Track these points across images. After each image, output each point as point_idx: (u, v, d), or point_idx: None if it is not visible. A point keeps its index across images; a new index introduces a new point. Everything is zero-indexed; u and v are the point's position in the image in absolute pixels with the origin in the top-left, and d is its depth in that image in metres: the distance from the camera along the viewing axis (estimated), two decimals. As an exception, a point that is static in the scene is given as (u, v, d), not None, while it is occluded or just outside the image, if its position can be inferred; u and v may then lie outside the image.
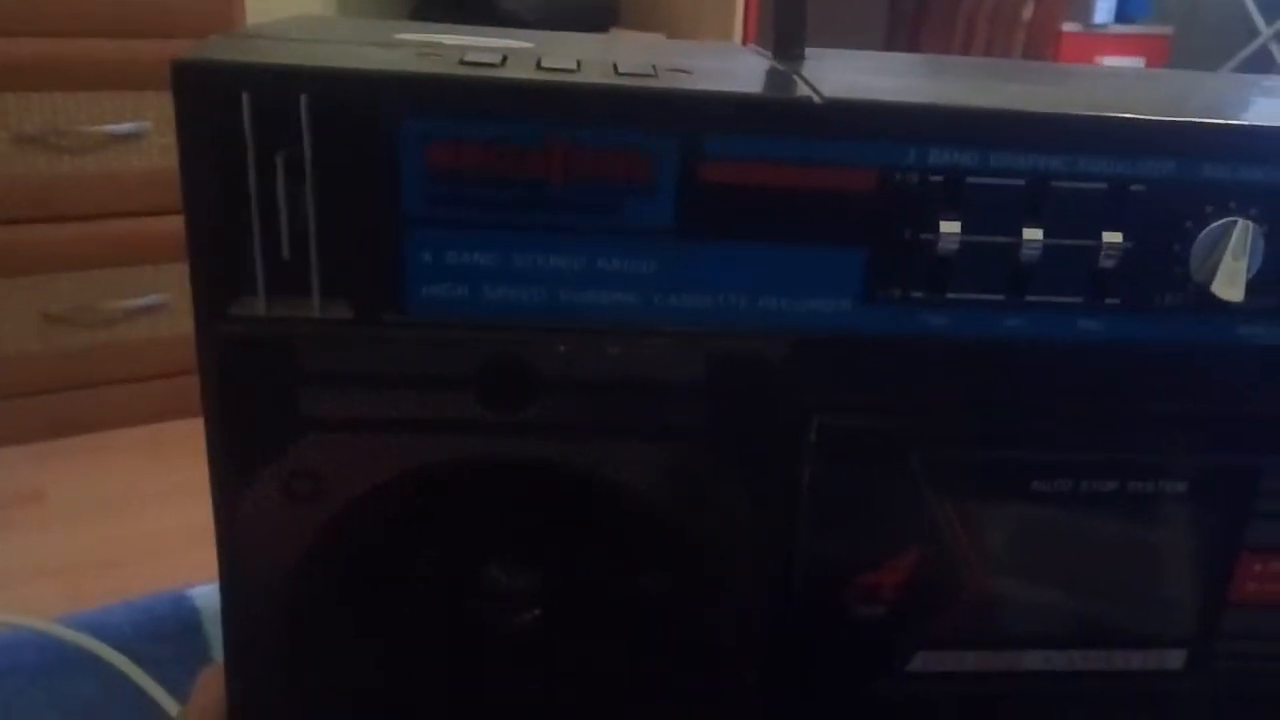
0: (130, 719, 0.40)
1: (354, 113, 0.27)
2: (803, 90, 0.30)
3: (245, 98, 0.26)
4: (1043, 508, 0.34)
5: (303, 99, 0.26)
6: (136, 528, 1.36)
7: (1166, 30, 3.12)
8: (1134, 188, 0.31)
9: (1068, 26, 2.90)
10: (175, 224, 1.36)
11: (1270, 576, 0.36)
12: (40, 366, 1.52)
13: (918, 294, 0.31)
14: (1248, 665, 0.37)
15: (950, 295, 0.31)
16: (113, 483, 1.48)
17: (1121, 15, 3.08)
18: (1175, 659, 0.37)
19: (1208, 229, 0.31)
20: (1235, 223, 0.31)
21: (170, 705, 0.39)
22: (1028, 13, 2.42)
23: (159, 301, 1.58)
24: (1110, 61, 3.01)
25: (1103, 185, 0.30)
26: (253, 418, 0.30)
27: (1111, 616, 0.36)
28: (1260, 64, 2.97)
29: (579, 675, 0.34)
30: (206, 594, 0.46)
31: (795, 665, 0.35)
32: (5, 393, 1.51)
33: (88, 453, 1.54)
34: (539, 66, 0.29)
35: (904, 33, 2.49)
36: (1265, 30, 2.91)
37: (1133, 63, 3.05)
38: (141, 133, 1.51)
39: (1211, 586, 0.36)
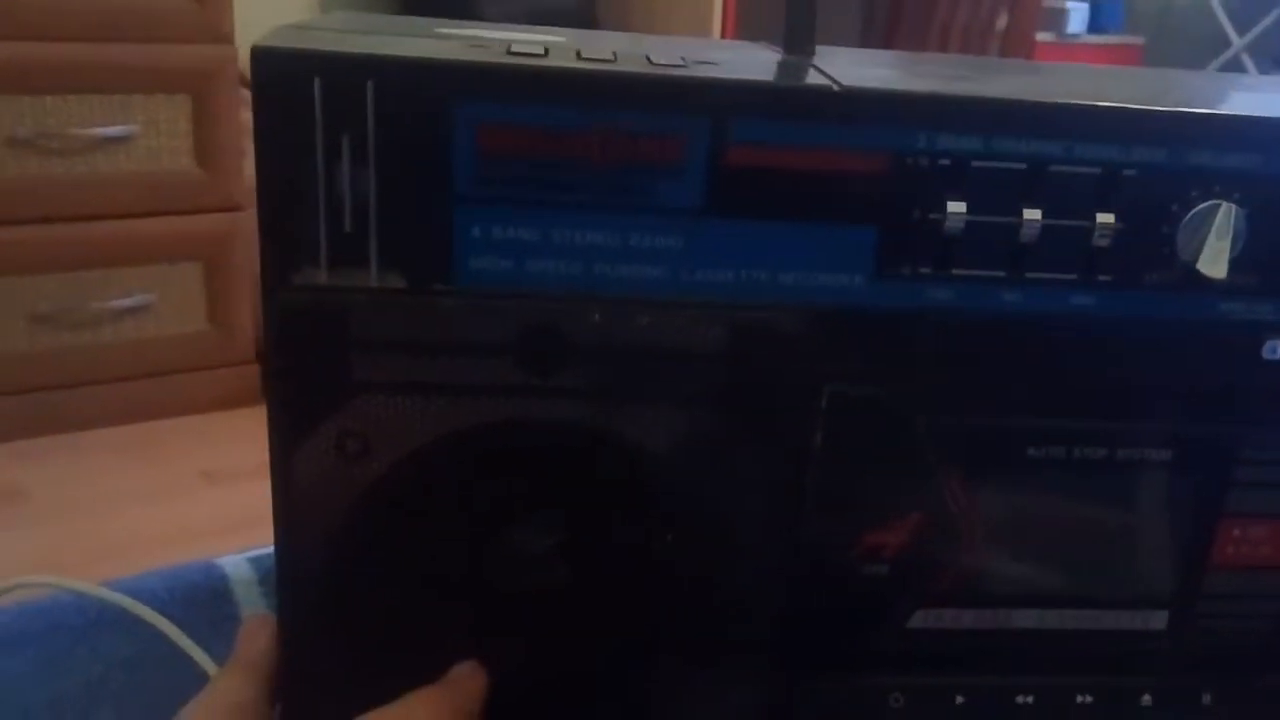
0: (166, 675, 0.42)
1: (413, 98, 0.29)
2: (820, 80, 0.32)
3: (317, 83, 0.28)
4: (1036, 474, 0.36)
5: (369, 84, 0.29)
6: (120, 526, 1.37)
7: (1138, 40, 3.18)
8: (1126, 172, 0.33)
9: (1041, 36, 2.94)
10: (162, 226, 1.38)
11: (1248, 541, 0.38)
12: (27, 366, 1.53)
13: (925, 270, 0.33)
14: (1227, 626, 0.40)
15: (955, 272, 0.33)
16: (97, 481, 1.48)
17: (1094, 25, 3.13)
18: (1158, 619, 0.39)
19: (1194, 211, 0.33)
20: (1219, 205, 0.33)
21: (205, 661, 0.41)
22: (1002, 23, 2.46)
23: (145, 302, 1.58)
24: (1083, 73, 3.06)
25: (1097, 170, 0.33)
26: (310, 379, 0.32)
27: (1099, 578, 0.38)
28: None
29: (601, 630, 0.36)
30: (235, 563, 0.48)
31: (803, 620, 0.37)
32: (-9, 391, 1.51)
33: (72, 451, 1.55)
34: (579, 56, 0.31)
35: (878, 42, 2.52)
36: (1237, 41, 2.96)
37: (1106, 73, 3.10)
38: (130, 136, 1.52)
39: (1193, 550, 0.38)
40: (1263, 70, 2.98)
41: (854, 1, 2.75)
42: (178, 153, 1.56)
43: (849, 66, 0.36)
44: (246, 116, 1.50)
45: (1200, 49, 3.04)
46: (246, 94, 1.47)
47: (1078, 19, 3.08)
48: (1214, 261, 0.33)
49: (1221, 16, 2.97)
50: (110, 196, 1.52)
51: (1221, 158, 0.33)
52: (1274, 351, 0.35)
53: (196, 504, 1.45)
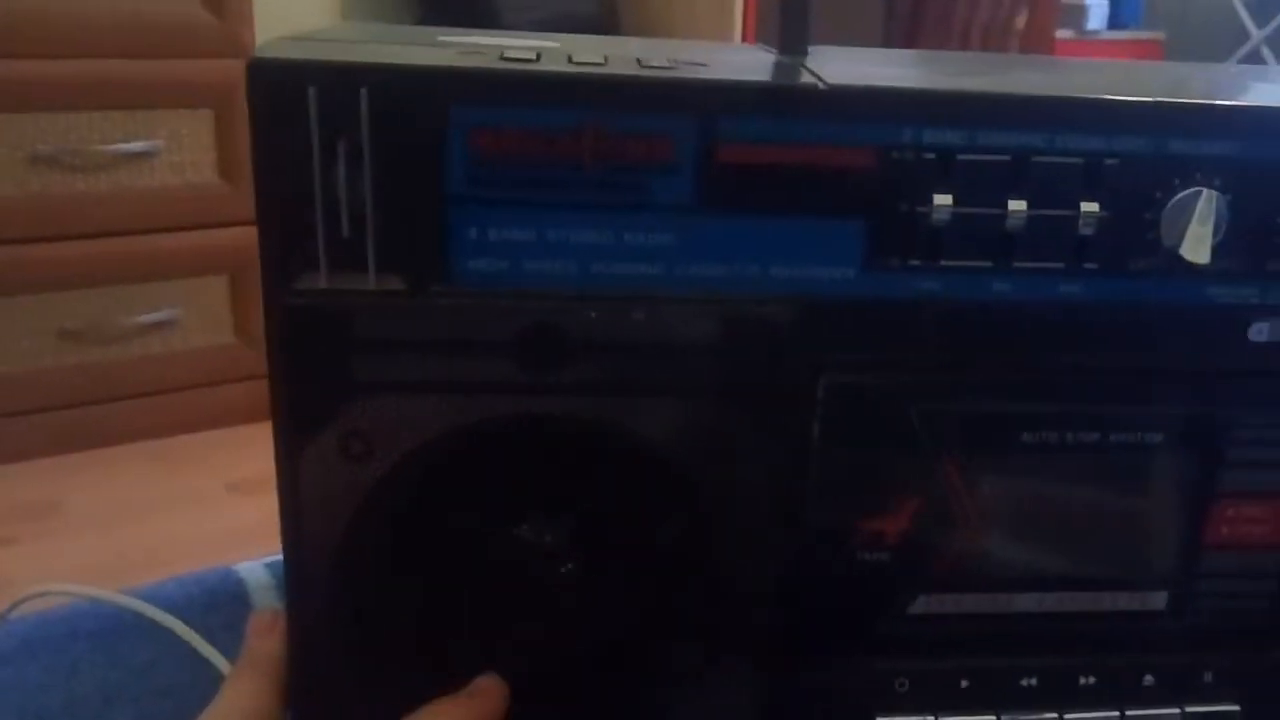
0: (185, 678, 0.43)
1: (407, 103, 0.30)
2: (808, 78, 0.33)
3: (311, 91, 0.30)
4: (1032, 458, 0.37)
5: (363, 92, 0.30)
6: (150, 538, 1.39)
7: (1158, 35, 3.16)
8: (1108, 162, 0.34)
9: (1061, 33, 2.93)
10: (186, 240, 1.39)
11: (1242, 520, 0.39)
12: (55, 382, 1.55)
13: (914, 261, 0.34)
14: (1225, 604, 0.40)
15: (944, 262, 0.34)
16: (127, 494, 1.50)
17: (1114, 22, 3.12)
18: (1158, 600, 0.40)
19: (1176, 198, 0.34)
20: (1201, 192, 0.34)
21: (222, 665, 0.42)
22: (1021, 21, 2.45)
23: (170, 317, 1.60)
24: (1102, 67, 3.05)
25: (1080, 160, 0.34)
26: (312, 382, 0.33)
27: (1097, 560, 0.39)
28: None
29: (609, 619, 0.37)
30: (251, 569, 0.49)
31: (804, 606, 0.38)
32: (22, 408, 1.54)
33: (102, 466, 1.57)
34: (570, 61, 0.32)
35: (901, 43, 2.53)
36: (1256, 33, 2.94)
37: (1125, 68, 3.09)
38: (153, 151, 1.54)
39: (1189, 531, 0.39)
40: (1282, 63, 2.96)
41: (876, 3, 2.75)
42: (201, 167, 1.58)
43: (840, 65, 0.37)
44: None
45: (1221, 43, 3.03)
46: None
47: (1097, 15, 3.07)
48: (1197, 247, 0.34)
49: (1241, 10, 2.96)
50: (135, 212, 1.54)
51: (1201, 145, 0.34)
52: (1259, 333, 0.36)
53: (223, 515, 1.47)
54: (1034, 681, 0.40)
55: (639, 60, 0.33)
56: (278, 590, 0.49)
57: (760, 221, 0.33)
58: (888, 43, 2.97)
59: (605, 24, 2.12)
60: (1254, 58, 2.98)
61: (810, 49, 0.39)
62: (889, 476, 0.37)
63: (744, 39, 2.03)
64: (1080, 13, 3.02)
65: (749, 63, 0.37)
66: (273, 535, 0.35)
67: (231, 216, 1.59)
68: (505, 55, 0.32)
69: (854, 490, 0.37)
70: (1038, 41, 2.54)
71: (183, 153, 1.57)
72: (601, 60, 0.32)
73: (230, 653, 0.43)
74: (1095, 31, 3.07)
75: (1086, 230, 0.34)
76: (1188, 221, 0.34)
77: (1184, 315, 0.36)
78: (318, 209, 0.31)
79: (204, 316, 1.64)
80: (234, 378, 1.67)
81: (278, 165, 0.30)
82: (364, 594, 0.35)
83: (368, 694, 0.34)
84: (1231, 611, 0.40)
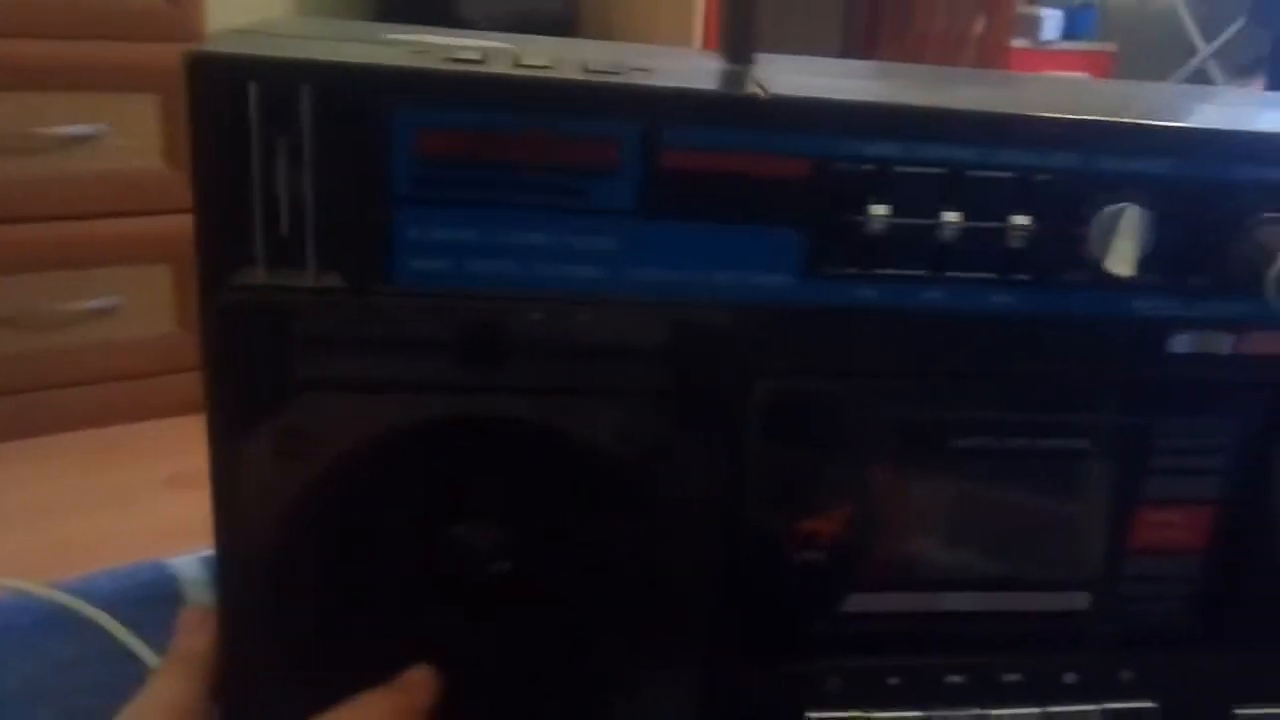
0: (114, 675, 0.42)
1: (351, 102, 0.30)
2: (750, 88, 0.34)
3: (252, 88, 0.30)
4: (962, 462, 0.38)
5: (304, 90, 0.30)
6: (86, 532, 1.36)
7: (1111, 48, 3.22)
8: (1039, 177, 0.35)
9: (1016, 43, 2.98)
10: (129, 227, 1.37)
11: (1164, 526, 0.40)
12: (-11, 369, 1.52)
13: (850, 270, 0.35)
14: (1144, 606, 0.41)
15: (879, 271, 0.35)
16: (62, 486, 1.48)
17: (1068, 33, 3.18)
18: (1080, 601, 0.41)
19: (1102, 213, 0.35)
20: (1126, 208, 0.35)
21: (152, 660, 0.42)
22: (977, 31, 2.49)
23: (110, 304, 1.58)
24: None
25: (1012, 174, 0.35)
26: (250, 379, 0.33)
27: (1023, 562, 0.40)
28: (1199, 81, 3.08)
29: (546, 619, 0.38)
30: (186, 563, 0.49)
31: (740, 605, 0.38)
32: (-45, 396, 1.51)
33: (37, 456, 1.54)
34: (517, 64, 0.32)
35: (857, 52, 2.55)
36: (1204, 48, 3.01)
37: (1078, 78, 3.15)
38: (98, 135, 1.51)
39: (1111, 535, 0.40)
40: (1228, 76, 3.03)
41: (834, 10, 2.78)
42: (146, 153, 1.56)
43: (784, 75, 0.38)
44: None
45: (1171, 56, 3.09)
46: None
47: (1052, 26, 3.12)
48: (1121, 260, 0.35)
49: (1189, 25, 3.03)
50: (76, 197, 1.51)
51: (1128, 163, 0.35)
52: (1180, 345, 0.37)
53: (161, 509, 1.45)
54: (960, 679, 0.41)
55: (586, 65, 0.33)
56: (211, 586, 0.49)
57: (701, 228, 0.34)
58: (845, 51, 2.99)
59: (567, 23, 2.12)
60: (1201, 72, 3.05)
61: (758, 58, 0.39)
62: (823, 480, 0.38)
63: (706, 39, 2.04)
64: (1035, 23, 3.07)
65: (695, 70, 0.37)
66: (211, 531, 0.35)
67: (176, 204, 1.56)
68: (452, 56, 0.32)
69: (789, 493, 0.38)
70: (993, 51, 2.58)
71: (127, 137, 1.54)
72: (548, 64, 0.33)
73: (161, 649, 0.42)
74: (1050, 42, 3.13)
75: (1017, 242, 0.35)
76: (1113, 236, 0.35)
77: (1109, 326, 0.37)
78: (256, 205, 0.31)
79: (146, 305, 1.61)
80: (176, 368, 1.64)
81: (217, 159, 0.30)
82: (298, 592, 0.35)
83: (299, 691, 0.34)
84: (1150, 613, 0.42)
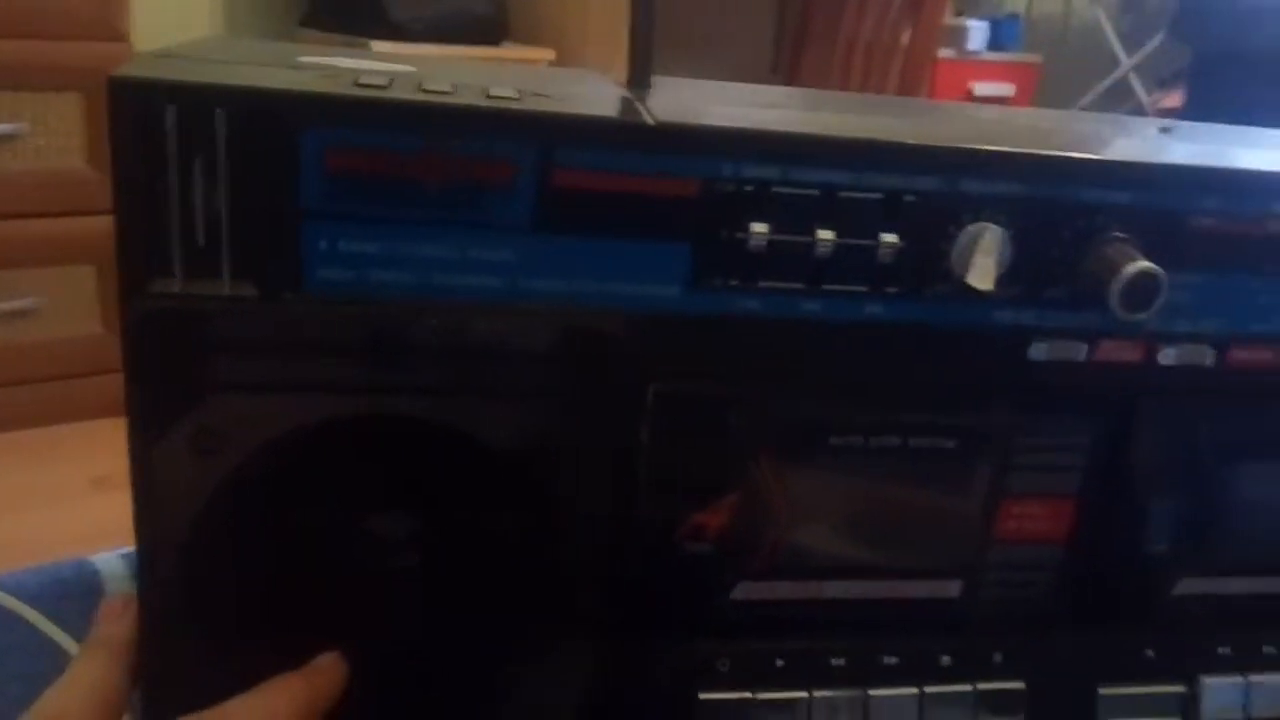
0: (38, 665, 0.44)
1: (263, 124, 0.32)
2: (640, 114, 0.36)
3: (170, 110, 0.32)
4: (840, 459, 0.41)
5: (218, 113, 0.32)
6: (9, 532, 1.35)
7: (1035, 59, 3.31)
8: (906, 198, 0.38)
9: (943, 53, 3.05)
10: (51, 227, 1.35)
11: (1026, 517, 0.44)
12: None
13: (734, 282, 0.38)
14: (1011, 592, 0.45)
15: (761, 283, 0.38)
16: (-20, 489, 1.46)
17: (994, 43, 3.25)
18: (952, 588, 0.44)
19: (965, 231, 0.38)
20: (987, 227, 0.38)
21: (76, 651, 0.44)
22: (904, 39, 2.55)
23: (34, 305, 1.56)
24: (982, 88, 3.18)
25: (881, 195, 0.38)
26: (166, 381, 0.35)
27: (898, 552, 0.43)
28: (1121, 93, 3.18)
29: (450, 608, 0.40)
30: (107, 560, 0.50)
31: (634, 594, 0.41)
32: None
33: (-46, 459, 1.52)
34: (420, 88, 0.35)
35: (787, 59, 2.60)
36: (1126, 61, 3.11)
37: (1003, 89, 3.23)
38: (17, 134, 1.49)
39: (979, 526, 0.43)
40: (1149, 88, 3.13)
41: (766, 19, 2.82)
42: (68, 152, 1.54)
43: (676, 100, 0.40)
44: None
45: (1093, 68, 3.19)
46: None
47: (978, 37, 3.19)
48: (982, 276, 0.38)
49: (1112, 38, 3.12)
50: (-5, 196, 1.50)
51: (988, 186, 0.38)
52: (1038, 353, 0.41)
53: (85, 510, 1.43)
54: (842, 661, 0.44)
55: (486, 89, 0.36)
56: (133, 581, 0.51)
57: (594, 242, 0.36)
58: (777, 58, 3.04)
59: (496, 25, 2.13)
60: (1123, 84, 3.15)
61: (656, 80, 0.42)
62: (711, 476, 0.40)
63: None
64: (962, 34, 3.14)
65: (591, 95, 0.40)
66: (136, 532, 0.36)
67: (99, 204, 1.55)
68: (359, 81, 0.34)
69: (680, 488, 0.40)
70: (920, 60, 2.64)
71: (49, 136, 1.53)
72: (450, 89, 0.35)
73: (84, 638, 0.44)
74: (976, 53, 3.20)
75: (886, 258, 0.38)
76: (974, 253, 0.38)
77: (972, 335, 0.40)
78: (174, 218, 0.33)
79: (69, 306, 1.60)
80: (101, 369, 1.63)
81: (136, 175, 0.32)
82: (214, 583, 0.37)
83: (216, 676, 0.36)
84: (1017, 599, 0.45)
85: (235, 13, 2.12)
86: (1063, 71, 3.26)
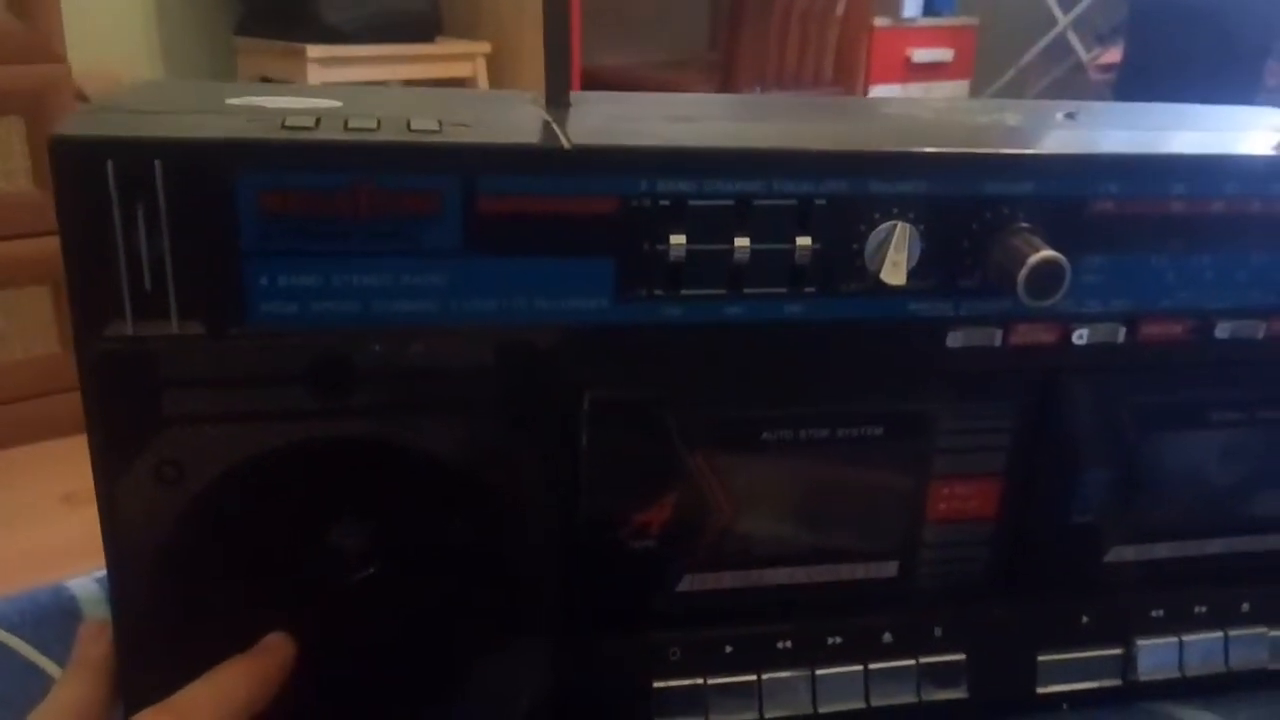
0: (18, 689, 0.45)
1: (198, 172, 0.34)
2: (558, 137, 0.38)
3: (110, 165, 0.33)
4: (773, 453, 0.43)
5: (156, 164, 0.33)
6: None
7: (972, 22, 3.34)
8: (817, 202, 0.40)
9: (879, 22, 3.07)
10: (3, 250, 1.35)
11: (956, 497, 0.46)
12: None
13: (658, 292, 0.40)
14: (946, 569, 0.47)
15: (683, 291, 0.40)
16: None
17: (929, 9, 3.27)
18: (890, 568, 0.47)
19: (875, 231, 0.40)
20: (896, 225, 0.40)
21: (58, 676, 0.45)
22: (840, 8, 2.57)
23: (-13, 329, 1.56)
24: (920, 54, 3.21)
25: (793, 201, 0.40)
26: (125, 418, 0.36)
27: (836, 537, 0.46)
28: (1060, 51, 3.22)
29: (410, 613, 0.42)
30: (83, 584, 0.52)
31: (585, 590, 0.43)
32: None
33: (-73, 481, 1.52)
34: (346, 127, 0.36)
35: (724, 31, 2.61)
36: (1062, 19, 3.15)
37: (942, 54, 3.25)
38: (-38, 158, 1.49)
39: (911, 508, 0.46)
40: (1088, 45, 3.17)
41: (702, -1, 2.84)
42: (14, 174, 1.54)
43: (594, 119, 0.42)
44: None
45: (1031, 28, 3.22)
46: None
47: (913, 3, 3.21)
48: (894, 272, 0.40)
49: (1048, -3, 3.14)
50: (-54, 221, 1.50)
51: (895, 186, 0.40)
52: (955, 340, 0.43)
53: (56, 526, 1.44)
54: (789, 644, 0.46)
55: (409, 122, 0.37)
56: (109, 604, 0.52)
57: (522, 262, 0.38)
58: (713, 30, 3.05)
59: (431, 24, 2.13)
60: (1060, 42, 3.18)
61: (575, 98, 0.44)
62: (650, 475, 0.42)
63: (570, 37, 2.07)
64: (896, 1, 3.17)
65: (511, 120, 0.42)
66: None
67: (49, 225, 1.54)
68: (286, 123, 0.36)
69: (621, 489, 0.42)
70: (856, 28, 2.66)
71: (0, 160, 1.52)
72: (374, 125, 0.37)
73: (64, 663, 0.45)
74: (911, 19, 3.22)
75: (802, 261, 0.40)
76: (886, 250, 0.40)
77: (891, 328, 0.42)
78: (121, 265, 0.34)
79: (26, 327, 1.60)
80: (62, 388, 1.63)
81: (82, 229, 0.34)
82: (183, 604, 0.39)
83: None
84: (952, 575, 0.47)
85: (170, 25, 2.11)
86: (999, 33, 3.29)
